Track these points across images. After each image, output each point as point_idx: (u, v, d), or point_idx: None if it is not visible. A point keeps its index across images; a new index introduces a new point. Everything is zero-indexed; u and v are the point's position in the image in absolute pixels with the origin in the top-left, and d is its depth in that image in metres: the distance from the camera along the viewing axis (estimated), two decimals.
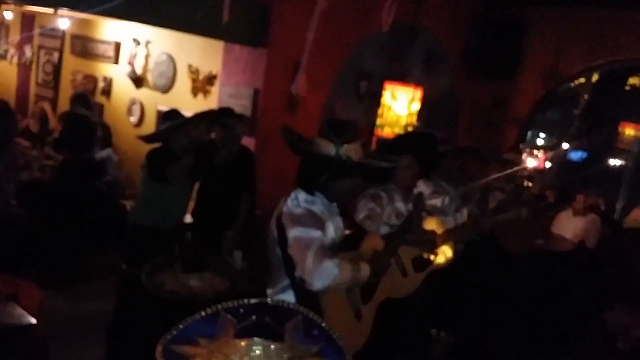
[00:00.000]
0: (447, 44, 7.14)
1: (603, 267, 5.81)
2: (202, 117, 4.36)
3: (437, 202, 3.81)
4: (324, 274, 2.30)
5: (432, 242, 3.15)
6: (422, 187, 4.04)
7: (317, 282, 2.31)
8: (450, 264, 3.33)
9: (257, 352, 1.41)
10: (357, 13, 5.72)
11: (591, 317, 3.48)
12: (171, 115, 4.21)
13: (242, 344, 1.40)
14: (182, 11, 4.87)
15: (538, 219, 5.02)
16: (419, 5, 6.32)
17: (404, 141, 3.60)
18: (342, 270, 2.34)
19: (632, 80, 11.29)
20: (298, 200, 2.48)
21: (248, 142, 5.31)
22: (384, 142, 3.40)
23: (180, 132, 4.04)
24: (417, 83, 6.15)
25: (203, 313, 1.48)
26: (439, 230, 3.21)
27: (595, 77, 10.89)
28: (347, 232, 2.73)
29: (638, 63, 7.71)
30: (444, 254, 3.26)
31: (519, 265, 4.55)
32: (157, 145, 4.17)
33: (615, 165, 12.68)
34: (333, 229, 2.53)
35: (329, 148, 2.42)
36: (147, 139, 4.23)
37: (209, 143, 4.92)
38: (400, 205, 3.31)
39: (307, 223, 2.39)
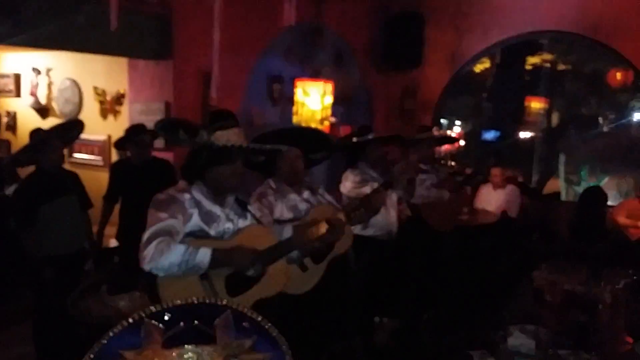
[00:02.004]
0: (352, 41, 7.26)
1: (527, 234, 6.09)
2: (64, 128, 4.24)
3: (366, 189, 3.84)
4: (148, 254, 2.23)
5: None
6: (350, 176, 4.09)
7: (143, 261, 2.25)
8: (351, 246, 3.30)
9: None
10: (262, 15, 5.71)
11: (520, 278, 3.63)
12: (36, 134, 4.06)
13: (173, 353, 1.33)
14: (78, 31, 4.69)
15: (459, 195, 5.18)
16: (320, 6, 6.40)
17: (289, 134, 3.43)
18: (169, 253, 2.23)
19: (532, 60, 11.91)
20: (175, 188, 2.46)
21: (167, 155, 5.18)
22: (268, 134, 3.20)
23: (48, 148, 3.89)
24: (327, 78, 6.21)
25: (125, 323, 1.41)
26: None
27: (497, 59, 11.42)
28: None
29: (529, 38, 8.11)
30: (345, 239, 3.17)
31: (448, 241, 4.68)
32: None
33: (526, 138, 13.30)
34: (200, 218, 2.42)
35: (201, 135, 2.39)
36: (15, 160, 4.12)
37: (125, 162, 4.78)
38: (293, 197, 3.23)
39: (161, 207, 2.35)
